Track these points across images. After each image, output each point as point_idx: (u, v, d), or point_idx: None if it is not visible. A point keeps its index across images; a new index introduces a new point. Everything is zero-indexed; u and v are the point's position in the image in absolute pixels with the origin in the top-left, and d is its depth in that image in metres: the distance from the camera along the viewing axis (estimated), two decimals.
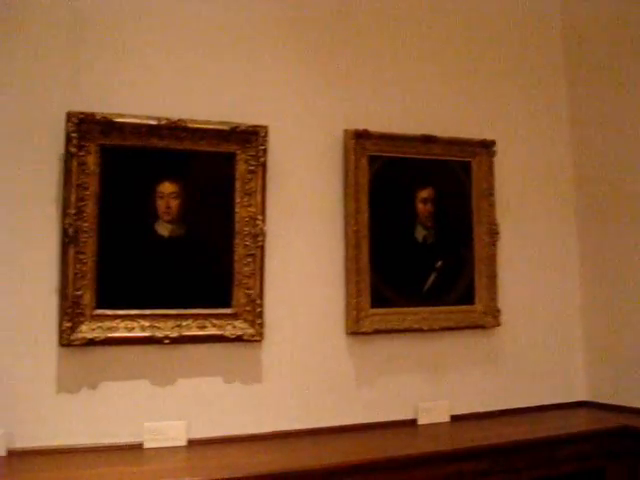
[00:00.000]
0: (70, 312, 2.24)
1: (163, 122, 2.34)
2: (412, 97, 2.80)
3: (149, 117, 2.34)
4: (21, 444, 2.22)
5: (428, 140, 2.74)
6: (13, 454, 2.20)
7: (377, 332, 2.61)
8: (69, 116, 2.24)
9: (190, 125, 2.37)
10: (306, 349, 2.56)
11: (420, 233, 2.73)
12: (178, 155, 2.38)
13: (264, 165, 2.45)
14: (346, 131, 2.62)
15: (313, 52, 2.65)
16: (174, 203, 2.36)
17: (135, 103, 2.36)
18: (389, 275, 2.65)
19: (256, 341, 2.45)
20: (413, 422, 2.69)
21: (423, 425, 2.69)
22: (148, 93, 2.40)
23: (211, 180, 2.43)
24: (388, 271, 2.65)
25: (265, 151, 2.45)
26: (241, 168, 2.43)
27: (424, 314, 2.70)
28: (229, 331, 2.40)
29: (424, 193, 2.73)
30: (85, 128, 2.25)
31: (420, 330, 2.69)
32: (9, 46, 2.28)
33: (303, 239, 2.57)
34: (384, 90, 2.75)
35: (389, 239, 2.66)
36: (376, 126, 2.67)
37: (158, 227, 2.36)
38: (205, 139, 2.40)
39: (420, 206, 2.73)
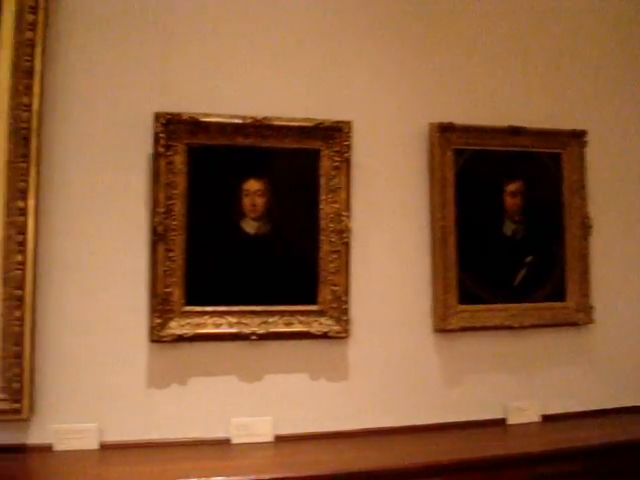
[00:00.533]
0: (160, 309, 2.28)
1: (248, 120, 2.35)
2: (497, 88, 2.73)
3: (234, 116, 2.35)
4: (113, 438, 2.28)
5: (515, 131, 2.65)
6: (105, 447, 2.27)
7: (465, 329, 2.55)
8: (157, 117, 2.28)
9: (274, 123, 2.37)
10: (392, 346, 2.52)
11: (509, 227, 2.65)
12: (263, 153, 2.39)
13: (348, 161, 2.43)
14: (431, 124, 2.58)
15: (396, 46, 2.61)
16: (260, 201, 2.37)
17: (220, 102, 2.39)
18: (477, 271, 2.59)
19: (342, 338, 2.43)
20: (502, 422, 2.62)
21: (513, 425, 2.62)
22: (233, 92, 2.42)
23: (295, 177, 2.43)
24: (476, 267, 2.59)
25: (349, 147, 2.43)
26: (325, 164, 2.42)
27: (513, 311, 2.62)
28: (315, 328, 2.39)
29: (512, 186, 2.65)
30: (172, 128, 2.29)
31: (509, 327, 2.62)
32: (99, 50, 2.31)
33: (388, 235, 2.54)
34: (469, 82, 2.69)
35: (476, 234, 2.60)
36: (460, 118, 2.61)
37: (244, 224, 2.37)
38: (289, 136, 2.40)
39: (508, 200, 2.65)
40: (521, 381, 2.67)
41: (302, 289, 2.41)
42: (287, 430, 2.39)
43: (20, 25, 2.23)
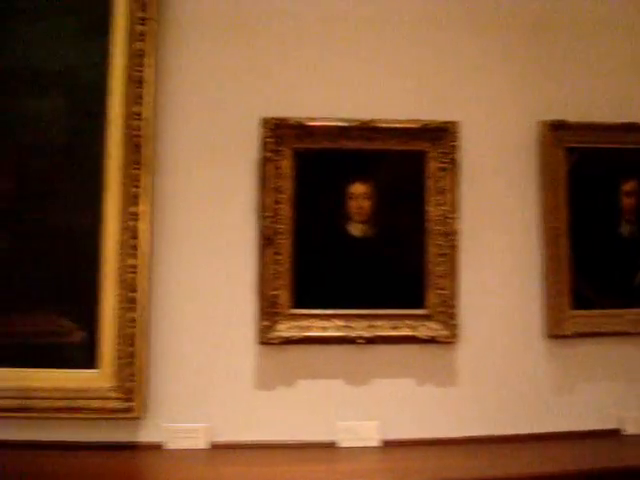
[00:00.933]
0: (268, 311, 2.30)
1: (354, 123, 2.34)
2: (609, 83, 2.60)
3: (340, 119, 2.34)
4: (222, 438, 2.32)
5: (630, 128, 2.53)
6: (215, 447, 2.30)
7: (579, 335, 2.45)
8: (264, 122, 2.30)
9: (380, 125, 2.35)
10: (502, 352, 2.45)
11: (626, 229, 2.53)
12: (369, 155, 2.37)
13: (455, 162, 2.38)
14: (541, 123, 2.49)
15: (502, 44, 2.53)
16: (366, 204, 2.35)
17: (326, 106, 2.39)
18: (591, 274, 2.48)
19: (450, 343, 2.38)
20: (615, 433, 2.50)
21: (628, 436, 2.49)
22: (338, 95, 2.41)
23: (401, 179, 2.40)
24: (590, 270, 2.49)
25: (456, 148, 2.38)
26: (432, 166, 2.38)
27: (631, 316, 2.51)
28: (422, 332, 2.36)
29: (628, 185, 2.53)
30: (279, 133, 2.30)
31: (627, 333, 2.50)
32: (206, 57, 2.36)
33: (498, 237, 2.47)
34: (579, 78, 2.59)
35: (590, 235, 2.49)
36: (570, 116, 2.51)
37: (350, 228, 2.36)
38: (395, 138, 2.37)
39: (625, 200, 2.52)
40: (638, 390, 2.52)
41: (409, 293, 2.37)
42: (393, 435, 2.36)
43: (131, 36, 2.29)
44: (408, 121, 2.37)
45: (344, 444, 2.34)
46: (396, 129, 2.36)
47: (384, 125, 2.35)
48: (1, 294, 2.28)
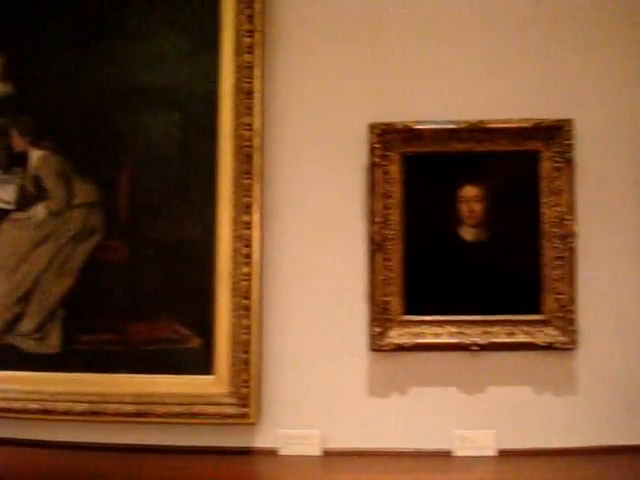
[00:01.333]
0: (379, 318, 2.28)
1: (462, 125, 2.30)
2: None
3: (448, 121, 2.31)
4: (334, 445, 2.32)
5: None
6: (328, 454, 2.30)
7: None
8: (372, 127, 2.29)
9: (490, 126, 2.30)
10: (624, 358, 2.34)
11: None
12: (478, 157, 2.32)
13: (571, 161, 2.29)
14: None
15: (617, 37, 2.42)
16: (477, 207, 2.30)
17: (433, 108, 2.36)
18: None
19: (568, 349, 2.29)
20: None
21: None
22: (445, 97, 2.38)
23: (513, 180, 2.34)
24: None
25: (572, 146, 2.28)
26: (546, 166, 2.30)
27: None
28: (539, 338, 2.28)
29: None
30: (387, 138, 2.29)
31: None
32: (312, 67, 2.38)
33: (618, 238, 2.36)
34: None
35: None
36: None
37: (462, 232, 2.31)
38: (505, 139, 2.31)
39: None
40: None
41: (524, 298, 2.30)
42: (510, 444, 2.29)
43: (238, 49, 2.34)
44: (519, 120, 2.30)
45: (459, 453, 2.29)
46: (506, 129, 2.30)
47: (494, 125, 2.29)
48: (120, 303, 2.35)
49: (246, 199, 2.30)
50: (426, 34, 2.43)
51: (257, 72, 2.33)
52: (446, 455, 2.30)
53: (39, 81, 2.44)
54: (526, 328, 2.29)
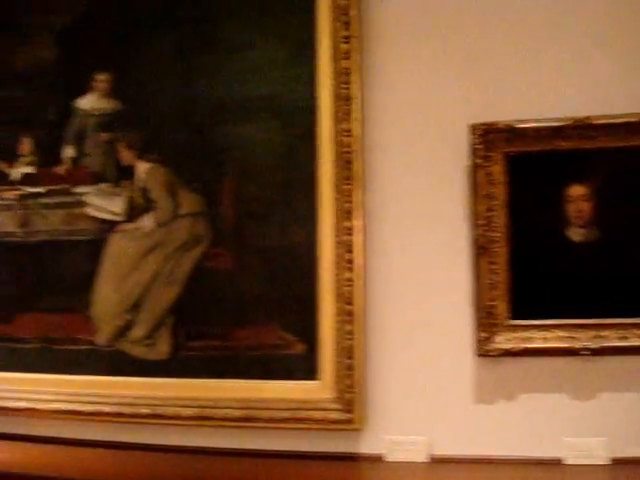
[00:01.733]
0: (485, 322, 2.24)
1: (568, 122, 2.23)
2: None
3: (551, 119, 2.24)
4: (440, 451, 2.29)
5: None
6: (434, 461, 2.28)
7: None
8: (473, 128, 2.26)
9: (596, 122, 2.22)
10: None
11: None
12: (585, 155, 2.25)
13: None
14: None
15: None
16: (585, 206, 2.23)
17: (536, 106, 2.30)
18: None
19: None
20: None
21: None
22: (548, 94, 2.32)
23: (622, 178, 2.25)
24: None
25: None
26: None
27: None
28: None
29: None
30: (489, 138, 2.25)
31: None
32: (410, 70, 2.36)
33: None
34: None
35: None
36: None
37: (570, 233, 2.25)
38: (614, 134, 2.23)
39: None
40: None
41: (637, 300, 2.19)
42: (623, 453, 2.22)
43: (336, 55, 2.35)
44: (627, 115, 2.21)
45: (570, 461, 2.22)
46: (614, 125, 2.21)
47: (601, 122, 2.22)
48: (226, 310, 2.40)
49: (347, 205, 2.31)
50: (526, 30, 2.37)
51: (355, 78, 2.34)
52: (556, 464, 2.23)
53: (144, 96, 2.54)
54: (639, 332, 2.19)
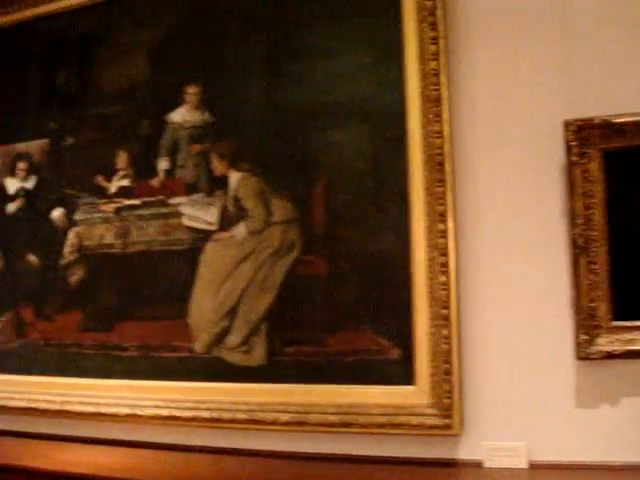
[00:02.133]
0: (585, 324, 2.18)
1: None
2: None
3: None
4: (541, 457, 2.23)
5: None
6: (534, 467, 2.22)
7: None
8: (567, 124, 2.20)
9: None
10: None
11: None
12: None
13: None
14: None
15: None
16: None
17: (634, 100, 2.20)
18: None
19: None
20: None
21: None
22: None
23: None
24: None
25: None
26: None
27: None
28: None
29: None
30: (584, 135, 2.19)
31: None
32: (499, 68, 2.33)
33: None
34: None
35: None
36: None
37: None
38: None
39: None
40: None
41: None
42: None
43: (423, 57, 2.34)
44: None
45: None
46: None
47: None
48: (320, 315, 2.41)
49: (440, 207, 2.28)
50: (620, 20, 2.28)
51: (443, 79, 2.32)
52: None
53: (234, 106, 2.58)
54: None
